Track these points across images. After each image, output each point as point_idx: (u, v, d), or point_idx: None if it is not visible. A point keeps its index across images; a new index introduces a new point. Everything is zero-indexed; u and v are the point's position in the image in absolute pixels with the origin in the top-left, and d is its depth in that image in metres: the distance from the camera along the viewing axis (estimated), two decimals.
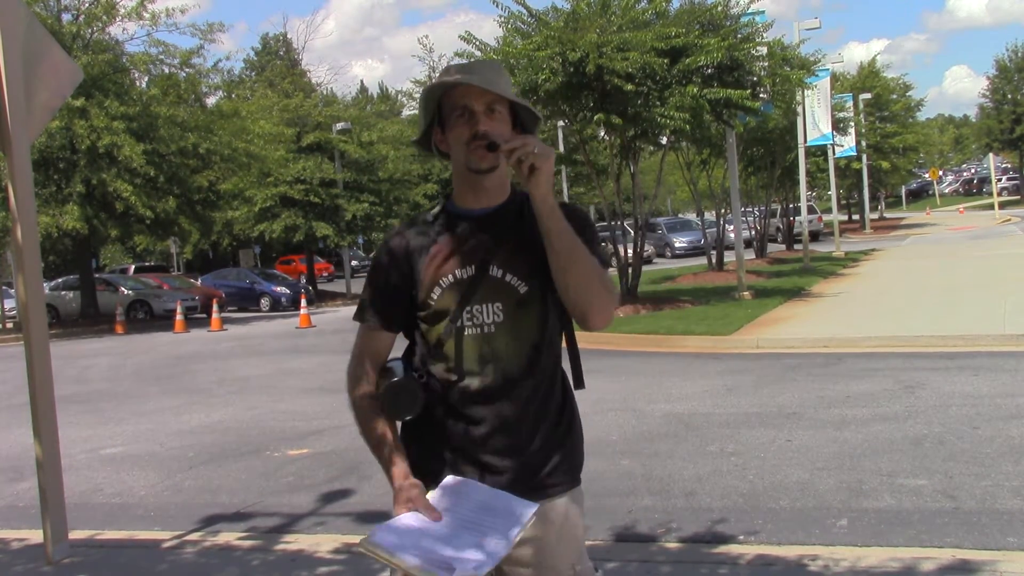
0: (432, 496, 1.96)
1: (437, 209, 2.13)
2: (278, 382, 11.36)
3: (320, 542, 4.70)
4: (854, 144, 30.72)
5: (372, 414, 2.07)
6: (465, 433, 2.04)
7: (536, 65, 13.47)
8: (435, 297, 2.04)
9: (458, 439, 2.04)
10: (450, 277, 2.04)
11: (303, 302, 21.71)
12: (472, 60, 2.03)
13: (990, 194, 49.04)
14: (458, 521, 1.90)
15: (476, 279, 2.03)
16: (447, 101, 2.04)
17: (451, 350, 2.04)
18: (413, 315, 2.09)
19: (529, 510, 1.93)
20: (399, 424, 2.10)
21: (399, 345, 2.17)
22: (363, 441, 2.10)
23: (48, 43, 4.92)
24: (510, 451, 2.04)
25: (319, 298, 29.34)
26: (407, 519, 1.91)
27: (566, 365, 2.22)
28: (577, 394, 2.28)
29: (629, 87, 13.24)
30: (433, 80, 2.08)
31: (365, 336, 2.13)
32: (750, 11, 15.18)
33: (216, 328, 20.87)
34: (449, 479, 2.00)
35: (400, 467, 2.01)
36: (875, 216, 52.41)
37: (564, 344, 2.19)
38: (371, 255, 54.31)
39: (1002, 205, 48.30)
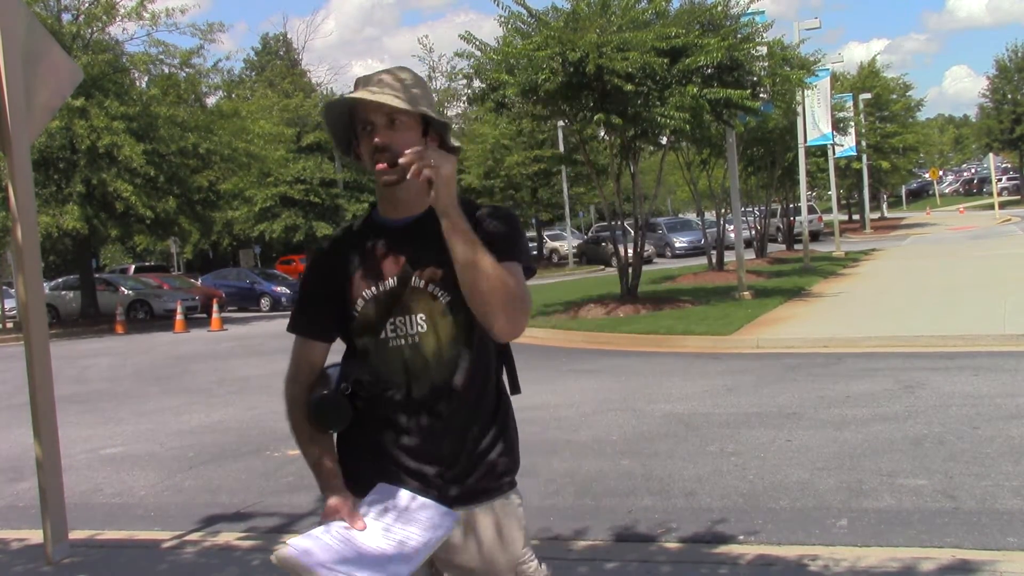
0: (358, 506, 1.98)
1: (361, 219, 2.14)
2: (278, 382, 11.14)
3: None
4: (854, 144, 30.72)
5: (306, 426, 2.07)
6: (394, 443, 2.03)
7: (536, 65, 13.47)
8: (359, 309, 2.04)
9: (388, 449, 2.04)
10: (373, 289, 2.03)
11: None
12: (385, 69, 1.93)
13: (990, 194, 49.04)
14: (380, 531, 1.92)
15: (398, 290, 2.02)
16: (354, 114, 2.04)
17: (377, 361, 2.03)
18: (343, 324, 2.09)
19: (450, 519, 1.94)
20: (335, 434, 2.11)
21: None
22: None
23: (48, 43, 4.92)
24: (439, 460, 2.03)
25: None
26: (327, 530, 1.92)
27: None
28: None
29: (629, 87, 13.23)
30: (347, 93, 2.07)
31: (299, 347, 2.13)
32: (750, 11, 15.17)
33: (216, 328, 20.88)
34: (377, 488, 2.00)
35: (332, 481, 2.02)
36: (875, 216, 52.39)
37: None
38: None
39: (1002, 205, 48.31)
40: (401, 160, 1.88)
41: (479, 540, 2.06)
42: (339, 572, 1.81)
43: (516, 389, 2.18)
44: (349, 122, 2.07)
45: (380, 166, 1.98)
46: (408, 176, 1.88)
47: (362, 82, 2.04)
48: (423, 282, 2.01)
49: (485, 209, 2.08)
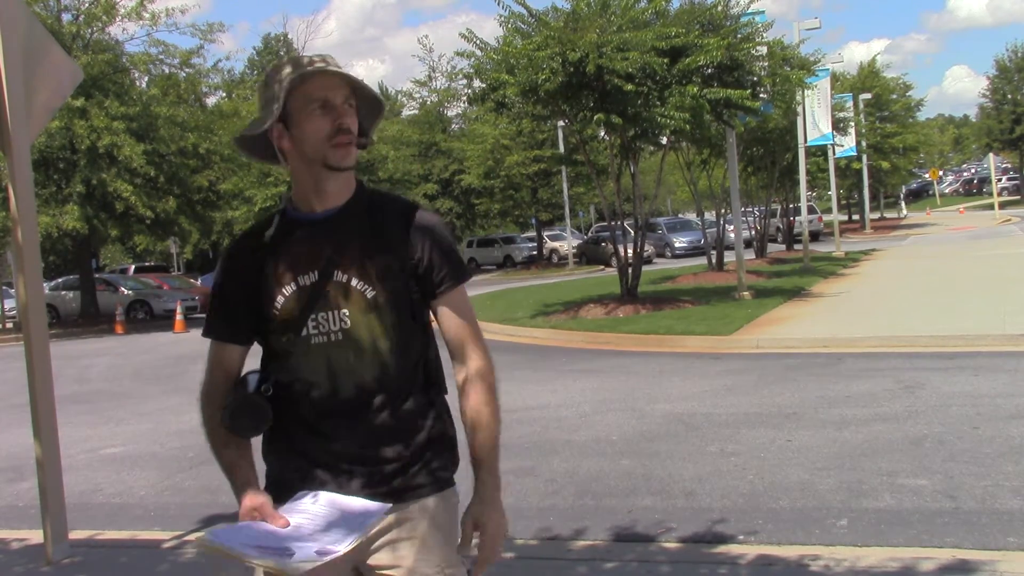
0: (280, 507, 1.91)
1: (273, 224, 2.01)
2: None
3: None
4: (854, 144, 30.70)
5: (219, 433, 1.97)
6: (319, 445, 1.94)
7: (536, 65, 13.47)
8: (279, 307, 1.94)
9: (313, 452, 1.94)
10: (292, 285, 1.94)
11: None
12: (316, 54, 2.00)
13: (990, 194, 49.03)
14: (304, 520, 1.86)
15: (320, 285, 1.93)
16: (299, 92, 1.91)
17: (299, 361, 1.94)
18: (261, 324, 1.99)
19: (378, 507, 1.88)
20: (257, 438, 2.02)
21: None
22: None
23: (48, 43, 4.92)
24: (368, 461, 1.94)
25: None
26: (248, 524, 1.87)
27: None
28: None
29: (629, 87, 13.23)
30: (281, 69, 1.95)
31: (214, 351, 2.04)
32: (750, 11, 15.18)
33: None
34: (300, 495, 1.92)
35: (242, 480, 1.94)
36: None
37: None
38: None
39: (1002, 205, 48.31)
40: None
41: (408, 537, 1.98)
42: (269, 551, 1.75)
43: (443, 389, 2.07)
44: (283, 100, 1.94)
45: (344, 147, 1.92)
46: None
47: (303, 63, 1.93)
48: (347, 277, 1.93)
49: (422, 216, 2.00)
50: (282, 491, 1.94)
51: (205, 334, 2.05)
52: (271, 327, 1.97)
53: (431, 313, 2.03)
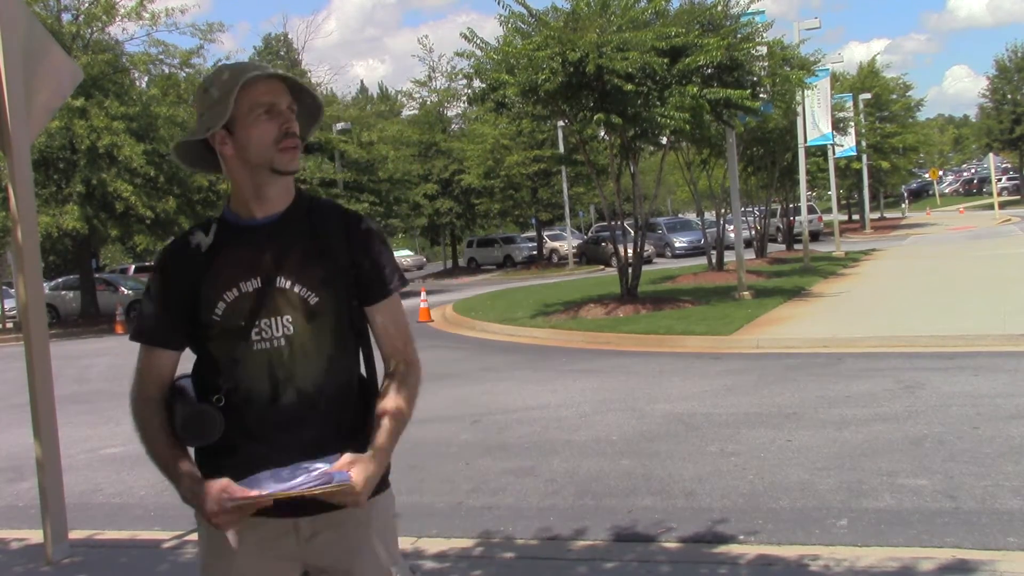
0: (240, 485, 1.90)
1: (211, 230, 2.00)
2: None
3: None
4: (854, 144, 30.70)
5: (162, 439, 1.95)
6: (263, 453, 1.92)
7: (536, 65, 13.47)
8: (219, 313, 1.93)
9: (256, 459, 1.91)
10: (234, 291, 1.93)
11: None
12: (245, 61, 2.16)
13: (990, 194, 49.03)
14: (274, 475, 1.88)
15: (262, 292, 1.92)
16: (243, 97, 1.90)
17: (242, 368, 1.93)
18: (197, 331, 1.97)
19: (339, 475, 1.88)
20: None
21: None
22: None
23: (48, 43, 4.92)
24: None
25: None
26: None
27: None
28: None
29: (629, 87, 13.23)
30: (222, 75, 1.94)
31: (146, 357, 2.01)
32: (750, 11, 15.18)
33: None
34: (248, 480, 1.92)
35: (191, 476, 1.92)
36: (875, 216, 52.41)
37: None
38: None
39: (1002, 205, 48.30)
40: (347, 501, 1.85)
41: (356, 541, 2.00)
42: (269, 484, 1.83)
43: (377, 390, 2.07)
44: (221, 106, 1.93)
45: (291, 151, 1.92)
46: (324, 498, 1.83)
47: (249, 68, 1.93)
48: (289, 283, 1.93)
49: (361, 224, 2.02)
50: None
51: (136, 338, 2.02)
52: (210, 333, 1.95)
53: (366, 319, 2.05)
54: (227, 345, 1.93)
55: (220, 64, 2.10)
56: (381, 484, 2.02)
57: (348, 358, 2.01)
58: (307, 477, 1.83)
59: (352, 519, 1.98)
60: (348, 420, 2.00)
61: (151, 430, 1.97)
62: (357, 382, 2.05)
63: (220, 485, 1.84)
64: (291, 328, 1.93)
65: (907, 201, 64.30)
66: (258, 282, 1.93)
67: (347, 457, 1.88)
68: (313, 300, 1.94)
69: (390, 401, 1.99)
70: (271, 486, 1.83)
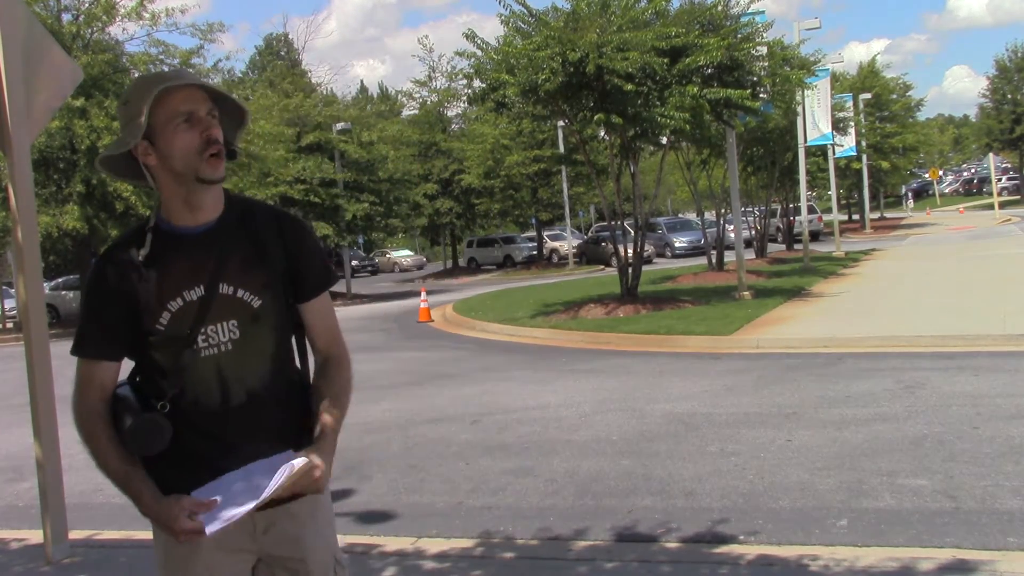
0: (197, 494, 1.94)
1: (147, 241, 1.98)
2: None
3: None
4: (854, 144, 30.69)
5: (113, 453, 1.96)
6: (214, 454, 1.96)
7: (536, 65, 13.47)
8: (164, 322, 1.95)
9: (207, 462, 1.96)
10: (179, 300, 1.95)
11: None
12: (163, 71, 2.06)
13: (990, 194, 49.03)
14: (227, 486, 1.93)
15: (207, 299, 1.95)
16: (161, 107, 1.90)
17: (189, 374, 1.96)
18: (138, 340, 1.98)
19: (287, 457, 1.93)
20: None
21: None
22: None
23: (48, 43, 4.92)
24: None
25: None
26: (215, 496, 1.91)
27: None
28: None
29: (629, 87, 13.23)
30: (139, 86, 1.95)
31: (87, 369, 2.01)
32: (750, 11, 15.18)
33: None
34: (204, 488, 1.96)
35: (151, 492, 1.94)
36: (875, 216, 52.41)
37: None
38: (370, 256, 54.15)
39: (1002, 205, 48.29)
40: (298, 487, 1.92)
41: (305, 529, 2.08)
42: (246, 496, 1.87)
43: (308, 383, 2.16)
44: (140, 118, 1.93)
45: (215, 159, 1.92)
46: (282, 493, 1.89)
47: (163, 78, 1.93)
48: (232, 288, 1.97)
49: (292, 224, 2.08)
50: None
51: (77, 352, 2.02)
52: (154, 342, 1.97)
53: (298, 314, 2.11)
54: (172, 353, 1.95)
55: (138, 76, 2.07)
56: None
57: (288, 354, 2.09)
58: (272, 480, 1.88)
59: (303, 510, 2.07)
60: (294, 414, 2.07)
61: (100, 444, 1.97)
62: (295, 375, 2.12)
63: (182, 503, 1.88)
64: (236, 332, 1.97)
65: (912, 200, 64.21)
66: (201, 290, 1.95)
67: (315, 435, 1.99)
68: (256, 304, 1.98)
69: (332, 389, 2.07)
70: (240, 501, 1.88)
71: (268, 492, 1.88)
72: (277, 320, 2.03)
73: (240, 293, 1.97)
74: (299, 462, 1.91)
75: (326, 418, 2.01)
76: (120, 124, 1.99)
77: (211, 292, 1.95)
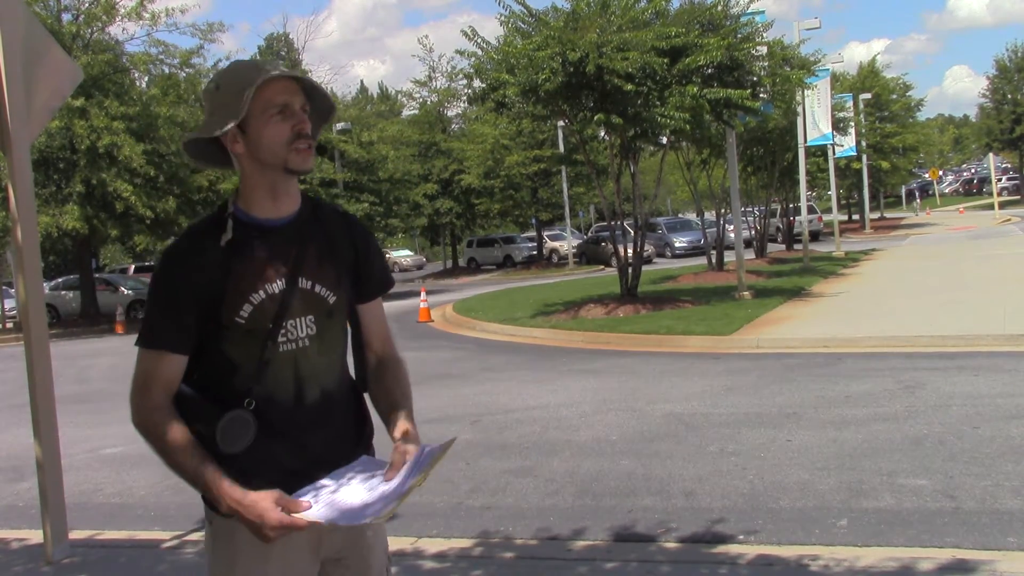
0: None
1: (228, 226, 1.93)
2: None
3: None
4: (854, 144, 30.71)
5: (184, 445, 1.87)
6: (287, 453, 1.92)
7: (536, 65, 13.47)
8: (245, 316, 1.89)
9: (284, 461, 1.91)
10: (261, 293, 1.90)
11: None
12: (259, 60, 2.00)
13: (990, 194, 49.03)
14: (328, 487, 1.87)
15: (288, 293, 1.92)
16: (257, 97, 1.88)
17: (268, 369, 1.91)
18: (212, 333, 1.91)
19: (376, 465, 1.91)
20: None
21: None
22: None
23: (48, 43, 4.92)
24: (334, 463, 1.94)
25: None
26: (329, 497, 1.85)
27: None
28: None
29: (629, 87, 13.23)
30: (237, 74, 1.93)
31: (154, 362, 1.92)
32: (750, 11, 15.18)
33: None
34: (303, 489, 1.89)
35: (233, 485, 1.83)
36: (875, 216, 52.38)
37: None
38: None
39: (1002, 205, 48.30)
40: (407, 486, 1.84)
41: (362, 535, 2.06)
42: (336, 513, 1.81)
43: (365, 388, 2.13)
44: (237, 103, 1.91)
45: (307, 153, 1.92)
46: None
47: (262, 68, 1.91)
48: (310, 283, 1.95)
49: (360, 225, 2.11)
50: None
51: (146, 344, 1.93)
52: (231, 336, 1.90)
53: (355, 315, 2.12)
54: (251, 347, 1.91)
55: (233, 61, 2.06)
56: None
57: (346, 354, 2.08)
58: (404, 474, 1.83)
59: None
60: (357, 414, 2.08)
61: (171, 440, 1.88)
62: (350, 378, 2.11)
63: (273, 497, 1.80)
64: (313, 328, 1.95)
65: (918, 199, 64.00)
66: (283, 283, 1.92)
67: (403, 430, 1.96)
68: (331, 299, 1.98)
69: (401, 388, 2.08)
70: (370, 505, 1.81)
71: (412, 479, 1.81)
72: (344, 318, 2.04)
73: (317, 288, 1.96)
74: (436, 447, 1.87)
75: (409, 422, 2.00)
76: (207, 109, 1.96)
77: (292, 285, 1.93)
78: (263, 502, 1.79)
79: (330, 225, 2.04)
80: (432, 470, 1.84)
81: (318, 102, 2.01)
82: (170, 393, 1.92)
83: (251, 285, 1.90)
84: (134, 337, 1.90)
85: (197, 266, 1.90)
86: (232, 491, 1.82)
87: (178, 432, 1.88)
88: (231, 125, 1.89)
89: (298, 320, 1.93)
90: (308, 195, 2.06)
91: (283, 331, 1.92)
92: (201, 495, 1.93)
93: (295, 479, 1.88)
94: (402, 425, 1.99)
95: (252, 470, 1.87)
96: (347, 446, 2.00)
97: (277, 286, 1.92)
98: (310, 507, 1.81)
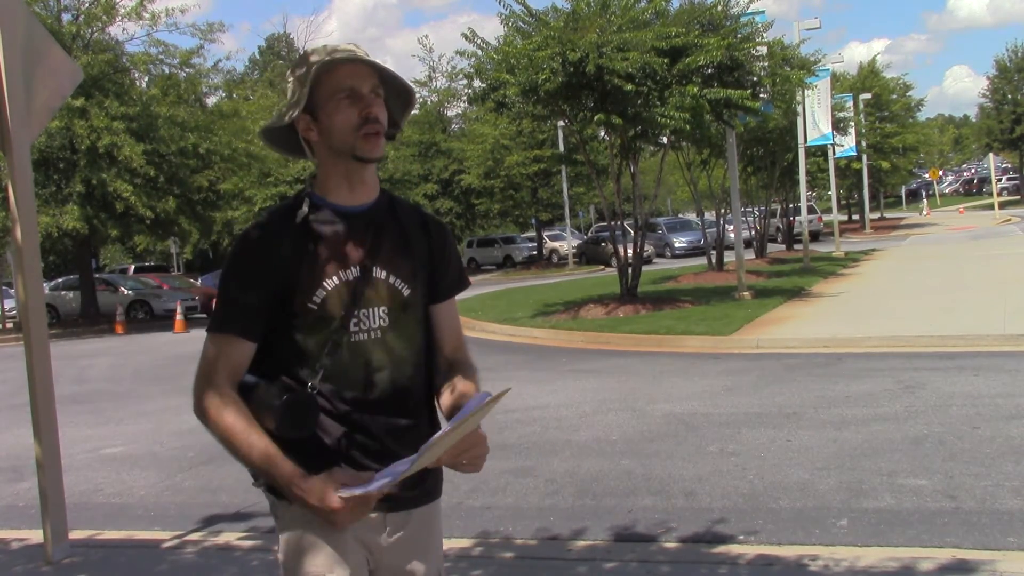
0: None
1: (305, 204, 1.92)
2: None
3: None
4: (854, 144, 30.71)
5: (251, 431, 1.81)
6: (352, 445, 1.88)
7: (536, 65, 13.47)
8: (318, 301, 1.86)
9: (349, 453, 1.88)
10: (335, 279, 1.87)
11: None
12: (331, 45, 1.94)
13: (990, 194, 49.03)
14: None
15: (362, 281, 1.89)
16: (325, 82, 1.87)
17: (338, 358, 1.87)
18: (284, 319, 1.87)
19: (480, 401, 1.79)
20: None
21: None
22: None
23: (48, 43, 4.92)
24: (395, 460, 1.88)
25: None
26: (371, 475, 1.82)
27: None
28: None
29: (629, 87, 13.23)
30: (313, 58, 1.89)
31: (224, 347, 1.86)
32: (750, 11, 15.18)
33: None
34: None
35: (298, 470, 1.80)
36: (875, 216, 52.37)
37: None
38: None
39: (1002, 205, 48.31)
40: (470, 453, 1.81)
41: (420, 540, 2.01)
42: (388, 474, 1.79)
43: (434, 390, 2.08)
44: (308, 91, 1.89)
45: (373, 137, 1.87)
46: (452, 459, 1.81)
47: (331, 52, 1.88)
48: (384, 273, 1.92)
49: (437, 223, 2.07)
50: None
51: (218, 328, 1.88)
52: (303, 322, 1.87)
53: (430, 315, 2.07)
54: (322, 334, 1.87)
55: (308, 47, 2.06)
56: (441, 488, 2.08)
57: (424, 351, 2.01)
58: (466, 410, 1.76)
59: (426, 520, 2.02)
60: (428, 412, 2.03)
61: (229, 424, 1.82)
62: (427, 378, 2.04)
63: (333, 476, 1.79)
64: (386, 319, 1.91)
65: (925, 198, 63.74)
66: (357, 271, 1.89)
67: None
68: (406, 292, 1.94)
69: (470, 387, 1.98)
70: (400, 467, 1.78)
71: (459, 421, 1.73)
72: (420, 314, 1.98)
73: (392, 279, 1.92)
74: (487, 397, 1.77)
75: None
76: (288, 96, 1.95)
77: (366, 274, 1.89)
78: (325, 486, 1.76)
79: (406, 218, 2.01)
80: (478, 418, 1.75)
81: (394, 86, 1.96)
82: (234, 381, 1.87)
83: (327, 270, 1.87)
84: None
85: (272, 245, 1.87)
86: (294, 475, 1.79)
87: (240, 416, 1.83)
88: (296, 112, 1.88)
89: (371, 310, 1.89)
90: (384, 188, 2.03)
91: (355, 320, 1.88)
92: (264, 487, 1.92)
93: (360, 471, 1.86)
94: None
95: (317, 457, 1.84)
96: (419, 443, 1.87)
97: (351, 273, 1.88)
98: (372, 476, 1.79)
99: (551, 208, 39.78)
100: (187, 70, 24.23)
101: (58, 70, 4.96)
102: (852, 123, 29.35)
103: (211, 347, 1.88)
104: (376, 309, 1.90)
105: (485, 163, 36.51)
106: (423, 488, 2.00)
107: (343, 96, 1.86)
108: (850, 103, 30.35)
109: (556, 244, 41.17)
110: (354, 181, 1.93)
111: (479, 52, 14.65)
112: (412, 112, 2.06)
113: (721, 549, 4.28)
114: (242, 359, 1.88)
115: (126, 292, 26.15)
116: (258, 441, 1.81)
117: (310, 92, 1.87)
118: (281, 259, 1.86)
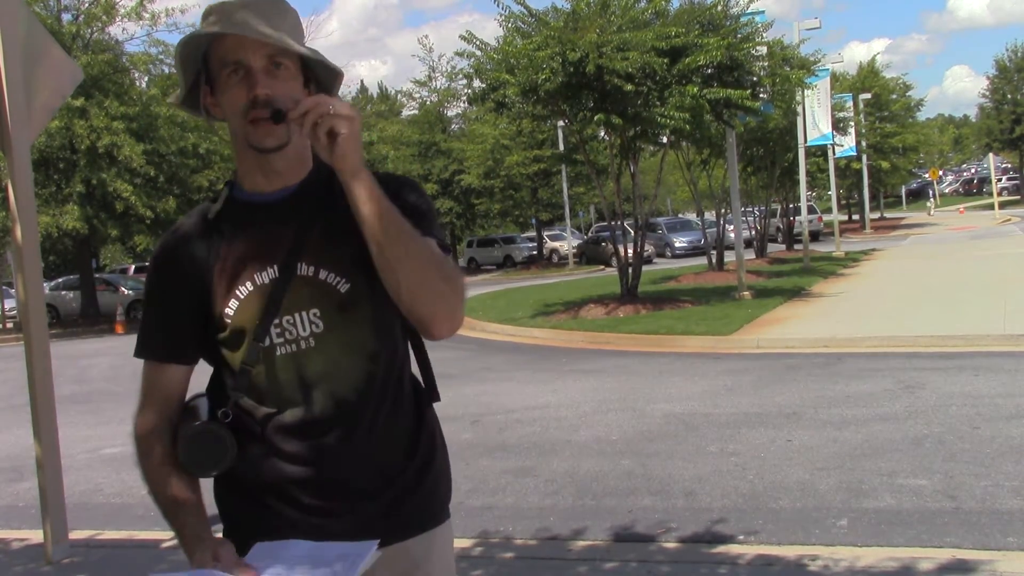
0: (259, 547, 1.56)
1: (220, 198, 1.62)
2: None
3: None
4: (854, 144, 30.71)
5: (162, 473, 1.59)
6: (291, 476, 1.58)
7: (536, 65, 13.48)
8: (231, 312, 1.55)
9: (283, 484, 1.58)
10: (248, 285, 1.55)
11: None
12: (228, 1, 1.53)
13: (990, 194, 49.02)
14: (280, 570, 1.49)
15: (281, 282, 1.54)
16: (214, 53, 1.52)
17: (261, 376, 1.56)
18: (210, 337, 1.60)
19: (368, 549, 1.50)
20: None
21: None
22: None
23: (48, 43, 4.92)
24: (351, 493, 1.60)
25: None
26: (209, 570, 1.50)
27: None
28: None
29: (629, 87, 13.24)
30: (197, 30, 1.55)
31: (148, 373, 1.63)
32: (750, 11, 15.19)
33: None
34: (256, 548, 1.55)
35: (193, 531, 1.57)
36: (875, 216, 52.35)
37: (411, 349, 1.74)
38: None
39: (1002, 205, 48.27)
40: (295, 112, 1.41)
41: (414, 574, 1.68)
42: None
43: (435, 396, 1.75)
44: (202, 64, 1.56)
45: (261, 123, 1.50)
46: (303, 131, 1.42)
47: (218, 12, 1.52)
48: (313, 268, 1.56)
49: (391, 180, 1.60)
50: (244, 539, 1.58)
51: (139, 354, 1.65)
52: (224, 337, 1.58)
53: None
54: (242, 350, 1.57)
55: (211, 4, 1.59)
56: (443, 512, 1.72)
57: (393, 352, 1.64)
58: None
59: (415, 559, 1.66)
60: (398, 431, 1.64)
61: (151, 464, 1.61)
62: (406, 382, 1.68)
63: (215, 554, 1.51)
64: (319, 324, 1.56)
65: (933, 199, 63.49)
66: (274, 271, 1.55)
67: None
68: (344, 287, 1.56)
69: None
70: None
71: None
72: (374, 307, 1.57)
73: (323, 274, 1.56)
74: (376, 553, 1.51)
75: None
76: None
77: (287, 273, 1.55)
78: (204, 559, 1.52)
79: None
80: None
81: (311, 60, 1.56)
82: (169, 409, 1.63)
83: (238, 275, 1.56)
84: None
85: (184, 251, 1.60)
86: (188, 537, 1.58)
87: (161, 455, 1.61)
88: (185, 87, 1.59)
89: (297, 315, 1.55)
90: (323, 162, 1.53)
91: (277, 330, 1.55)
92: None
93: (299, 510, 1.59)
94: None
95: (239, 497, 1.62)
96: (378, 475, 1.61)
97: (267, 275, 1.55)
98: (254, 575, 1.47)
99: (551, 208, 39.78)
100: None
101: (58, 70, 4.96)
102: (852, 123, 29.36)
103: (143, 372, 1.66)
104: (303, 314, 1.55)
105: (485, 163, 36.52)
106: (385, 524, 1.61)
107: (230, 71, 1.51)
108: (850, 103, 30.35)
109: (556, 244, 41.15)
110: (266, 167, 1.58)
111: (478, 53, 14.66)
112: (341, 83, 1.66)
113: (721, 549, 4.28)
114: (172, 384, 1.64)
115: (126, 292, 26.15)
116: (168, 486, 1.59)
117: (204, 60, 1.55)
118: (195, 265, 1.59)
